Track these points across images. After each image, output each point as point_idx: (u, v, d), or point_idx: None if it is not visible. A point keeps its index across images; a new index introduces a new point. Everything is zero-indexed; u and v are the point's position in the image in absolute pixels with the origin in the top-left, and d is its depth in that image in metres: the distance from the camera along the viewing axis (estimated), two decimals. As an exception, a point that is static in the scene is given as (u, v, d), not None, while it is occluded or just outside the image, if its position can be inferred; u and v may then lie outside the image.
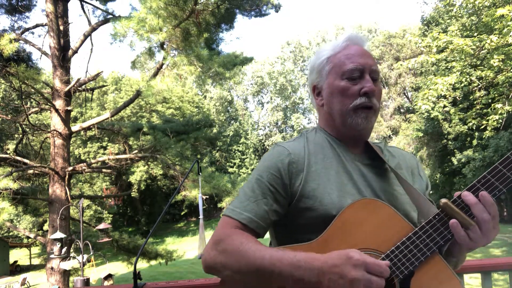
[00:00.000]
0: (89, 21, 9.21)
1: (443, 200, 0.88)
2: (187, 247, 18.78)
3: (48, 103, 8.37)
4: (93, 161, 10.05)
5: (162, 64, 8.64)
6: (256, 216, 0.98)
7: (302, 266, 0.83)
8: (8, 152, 10.49)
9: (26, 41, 8.83)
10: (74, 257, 6.44)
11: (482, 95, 9.70)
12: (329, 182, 0.99)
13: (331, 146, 1.07)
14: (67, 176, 8.43)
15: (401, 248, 0.89)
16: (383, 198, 1.00)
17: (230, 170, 36.01)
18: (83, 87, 8.91)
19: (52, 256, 6.86)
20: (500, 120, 8.93)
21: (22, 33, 9.18)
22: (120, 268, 15.42)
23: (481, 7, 8.86)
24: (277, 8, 10.38)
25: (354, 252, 0.81)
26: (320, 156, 1.04)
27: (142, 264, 13.37)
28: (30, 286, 17.68)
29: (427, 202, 0.97)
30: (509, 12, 7.15)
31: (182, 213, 33.60)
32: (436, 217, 0.89)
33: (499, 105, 8.73)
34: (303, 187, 0.99)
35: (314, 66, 1.13)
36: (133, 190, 26.52)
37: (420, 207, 0.99)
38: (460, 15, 10.46)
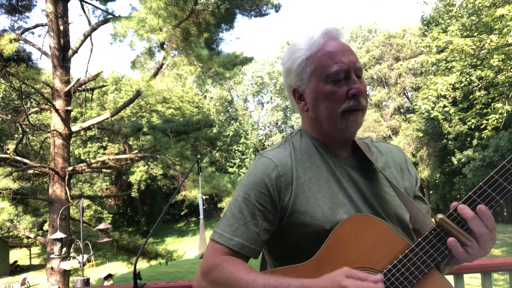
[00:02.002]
0: (89, 21, 9.22)
1: (439, 216, 0.85)
2: (187, 247, 18.79)
3: (48, 103, 8.36)
4: (93, 161, 10.05)
5: (162, 64, 8.65)
6: (248, 241, 0.94)
7: None
8: (8, 152, 10.50)
9: (26, 41, 8.83)
10: (74, 257, 6.43)
11: (482, 95, 9.70)
12: (320, 194, 0.96)
13: (318, 151, 1.02)
14: (67, 176, 8.43)
15: (398, 266, 0.86)
16: (374, 203, 0.98)
17: (230, 170, 36.01)
18: (83, 87, 8.90)
19: (52, 256, 6.86)
20: (500, 120, 8.94)
21: (22, 33, 9.17)
22: (120, 268, 15.42)
23: (481, 7, 8.86)
24: (277, 8, 10.38)
25: (347, 281, 0.80)
26: (308, 165, 0.99)
27: (142, 264, 13.36)
28: (30, 286, 17.69)
29: (415, 205, 0.94)
30: (509, 12, 7.15)
31: (182, 213, 33.61)
32: (432, 232, 0.86)
33: (499, 105, 8.75)
34: (294, 202, 0.95)
35: (292, 67, 1.03)
36: (133, 190, 26.53)
37: (409, 209, 0.97)
38: (460, 15, 10.45)
